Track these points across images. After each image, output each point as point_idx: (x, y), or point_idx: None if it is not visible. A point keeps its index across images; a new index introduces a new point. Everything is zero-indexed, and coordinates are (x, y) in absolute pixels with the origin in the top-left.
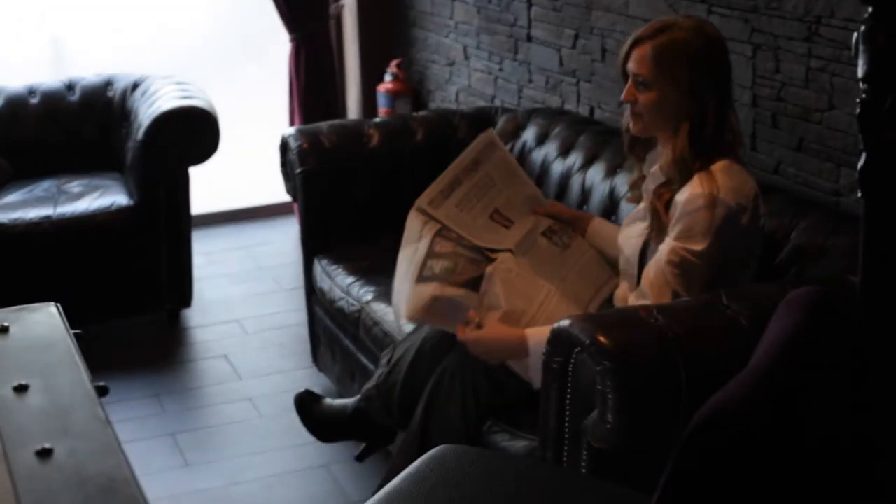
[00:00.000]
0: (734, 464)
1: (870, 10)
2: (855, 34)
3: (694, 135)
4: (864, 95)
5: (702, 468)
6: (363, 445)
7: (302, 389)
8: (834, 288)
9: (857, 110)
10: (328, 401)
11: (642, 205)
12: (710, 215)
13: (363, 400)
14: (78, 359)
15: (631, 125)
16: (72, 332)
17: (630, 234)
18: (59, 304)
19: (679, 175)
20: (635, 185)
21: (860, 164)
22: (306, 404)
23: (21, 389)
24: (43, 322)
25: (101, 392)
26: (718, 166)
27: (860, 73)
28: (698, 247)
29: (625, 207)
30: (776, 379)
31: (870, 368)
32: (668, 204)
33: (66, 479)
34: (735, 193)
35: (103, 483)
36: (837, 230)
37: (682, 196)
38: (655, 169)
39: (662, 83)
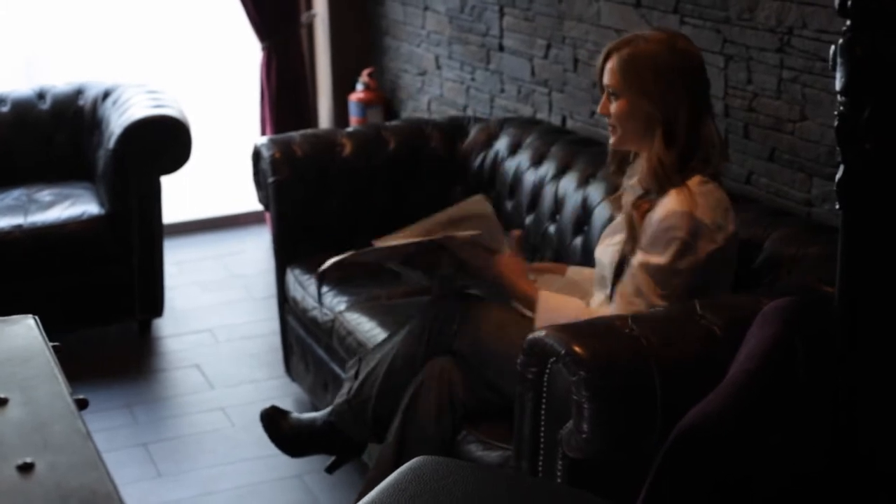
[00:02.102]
0: (714, 475)
1: (848, 22)
2: (833, 47)
3: (667, 143)
4: (841, 108)
5: (682, 479)
6: (333, 458)
7: (268, 405)
8: (808, 298)
9: (836, 122)
10: (295, 415)
11: (620, 218)
12: (686, 233)
13: (334, 414)
14: (57, 372)
15: (610, 138)
16: (50, 344)
17: (608, 244)
18: (36, 317)
19: (657, 184)
20: (616, 199)
21: (838, 176)
22: (273, 420)
23: (0, 403)
24: (21, 335)
25: (81, 405)
26: (694, 182)
27: (838, 85)
28: (666, 259)
29: (598, 217)
30: (755, 391)
31: (848, 378)
32: (645, 215)
33: (48, 494)
34: (712, 212)
35: (85, 497)
36: (810, 240)
37: (657, 213)
38: (634, 182)
39: (629, 92)
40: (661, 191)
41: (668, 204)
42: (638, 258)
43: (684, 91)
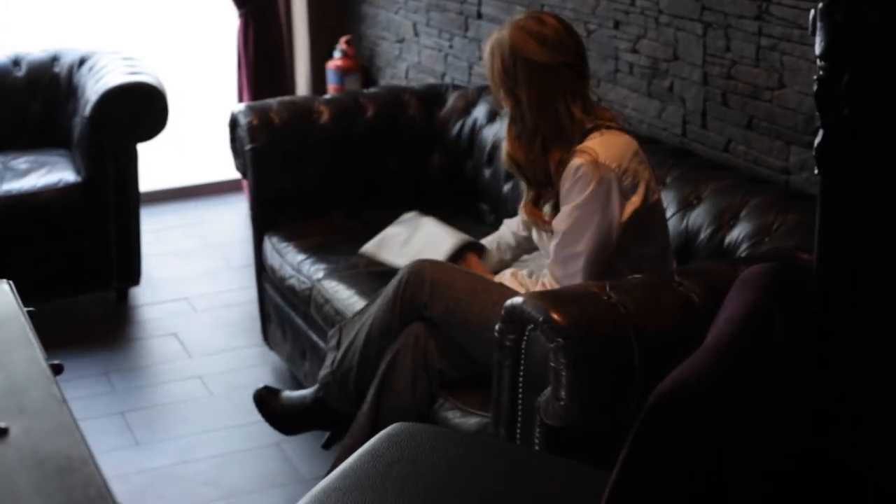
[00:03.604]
0: (692, 440)
1: None
2: (812, 12)
3: (516, 133)
4: (820, 73)
5: (660, 444)
6: (328, 434)
7: (261, 385)
8: (787, 265)
9: (815, 87)
10: (287, 393)
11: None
12: (592, 176)
13: (321, 388)
14: (32, 337)
15: None
16: (25, 309)
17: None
18: (11, 282)
19: (517, 173)
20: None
21: (817, 140)
22: (265, 399)
23: None
24: None
25: (56, 370)
26: (592, 142)
27: (817, 50)
28: (585, 196)
29: None
30: (733, 356)
31: (825, 343)
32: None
33: (23, 459)
34: (613, 158)
35: (61, 462)
36: (787, 208)
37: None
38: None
39: (491, 82)
40: (526, 178)
41: (573, 161)
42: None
43: (533, 72)
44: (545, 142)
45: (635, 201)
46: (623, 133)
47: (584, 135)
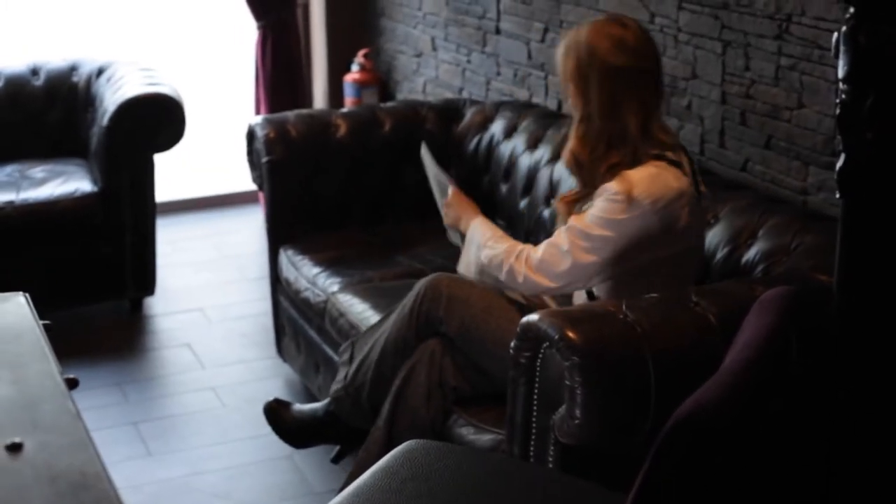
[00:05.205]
0: (710, 464)
1: (851, 10)
2: (835, 34)
3: (582, 133)
4: (843, 96)
5: (678, 468)
6: (337, 448)
7: (271, 398)
8: (806, 288)
9: (837, 111)
10: (297, 406)
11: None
12: (621, 208)
13: (333, 402)
14: (47, 350)
15: None
16: (41, 322)
17: None
18: (27, 294)
19: (576, 173)
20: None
21: (839, 164)
22: (276, 413)
23: None
24: (11, 312)
25: (71, 384)
26: (639, 171)
27: (840, 73)
28: (597, 231)
29: None
30: (752, 380)
31: (845, 368)
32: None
33: (37, 474)
34: (649, 195)
35: (75, 478)
36: (805, 229)
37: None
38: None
39: (564, 80)
40: (584, 182)
41: (610, 185)
42: (580, 219)
43: (605, 79)
44: (609, 145)
45: (659, 249)
46: (676, 172)
47: (641, 159)
